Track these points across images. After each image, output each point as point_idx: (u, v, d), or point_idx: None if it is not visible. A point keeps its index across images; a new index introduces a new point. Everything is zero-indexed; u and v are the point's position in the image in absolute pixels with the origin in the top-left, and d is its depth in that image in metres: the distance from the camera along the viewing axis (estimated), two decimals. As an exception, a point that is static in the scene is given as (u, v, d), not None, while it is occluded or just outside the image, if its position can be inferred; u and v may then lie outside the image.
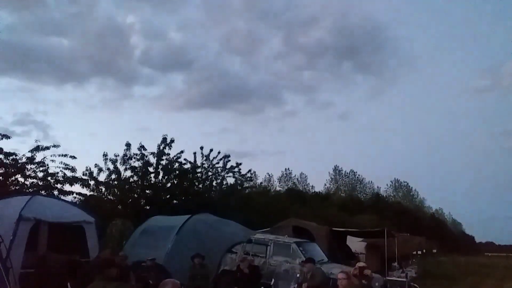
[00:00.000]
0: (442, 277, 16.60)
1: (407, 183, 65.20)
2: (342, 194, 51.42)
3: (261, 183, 39.24)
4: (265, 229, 14.42)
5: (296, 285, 7.53)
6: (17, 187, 12.36)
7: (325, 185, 56.76)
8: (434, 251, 30.24)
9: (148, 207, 15.92)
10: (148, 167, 16.49)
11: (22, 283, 6.73)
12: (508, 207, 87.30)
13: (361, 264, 7.59)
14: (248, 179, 20.73)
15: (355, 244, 16.96)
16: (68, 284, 6.69)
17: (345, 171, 58.19)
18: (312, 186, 52.54)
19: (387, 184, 64.03)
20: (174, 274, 6.94)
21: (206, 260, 8.18)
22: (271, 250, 10.43)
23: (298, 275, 8.31)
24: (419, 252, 22.85)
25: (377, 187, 59.15)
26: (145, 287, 6.86)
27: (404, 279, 11.31)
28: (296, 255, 10.05)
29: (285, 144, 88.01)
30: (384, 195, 57.05)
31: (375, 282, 9.06)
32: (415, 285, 11.75)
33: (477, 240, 78.46)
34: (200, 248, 8.39)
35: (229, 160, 18.99)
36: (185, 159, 17.65)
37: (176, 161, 17.15)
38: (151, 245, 8.85)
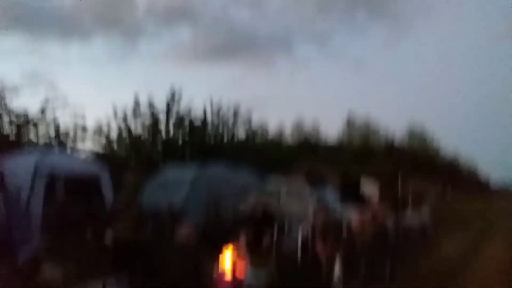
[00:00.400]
0: (456, 221, 16.71)
1: (423, 130, 64.30)
2: (355, 144, 51.15)
3: (272, 136, 39.07)
4: (277, 177, 14.46)
5: (310, 230, 7.59)
6: (29, 145, 12.52)
7: (339, 134, 56.40)
8: (449, 196, 30.36)
9: (159, 163, 16.08)
10: (158, 123, 16.48)
11: (42, 235, 6.92)
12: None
13: (375, 208, 7.59)
14: (260, 132, 20.60)
15: (369, 189, 17.01)
16: (87, 233, 6.87)
17: (359, 120, 57.51)
18: (326, 136, 52.29)
19: (402, 131, 63.27)
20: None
21: (220, 210, 8.28)
22: (284, 197, 10.48)
23: (312, 221, 8.37)
24: (434, 197, 22.96)
25: (392, 133, 58.50)
26: (161, 235, 6.99)
27: (418, 223, 11.38)
28: (309, 200, 10.09)
29: (297, 96, 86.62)
30: (399, 142, 56.58)
31: (389, 226, 9.11)
32: (429, 229, 11.84)
33: (493, 186, 78.38)
34: (214, 198, 8.48)
35: (240, 114, 18.78)
36: (195, 113, 17.52)
37: (186, 115, 17.04)
38: (166, 196, 8.96)
